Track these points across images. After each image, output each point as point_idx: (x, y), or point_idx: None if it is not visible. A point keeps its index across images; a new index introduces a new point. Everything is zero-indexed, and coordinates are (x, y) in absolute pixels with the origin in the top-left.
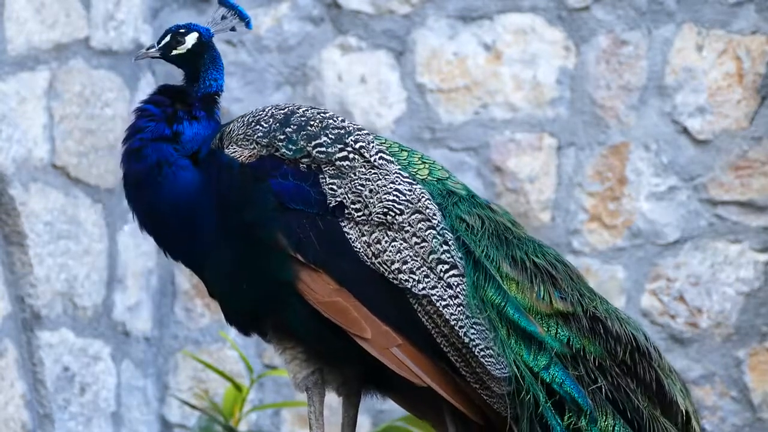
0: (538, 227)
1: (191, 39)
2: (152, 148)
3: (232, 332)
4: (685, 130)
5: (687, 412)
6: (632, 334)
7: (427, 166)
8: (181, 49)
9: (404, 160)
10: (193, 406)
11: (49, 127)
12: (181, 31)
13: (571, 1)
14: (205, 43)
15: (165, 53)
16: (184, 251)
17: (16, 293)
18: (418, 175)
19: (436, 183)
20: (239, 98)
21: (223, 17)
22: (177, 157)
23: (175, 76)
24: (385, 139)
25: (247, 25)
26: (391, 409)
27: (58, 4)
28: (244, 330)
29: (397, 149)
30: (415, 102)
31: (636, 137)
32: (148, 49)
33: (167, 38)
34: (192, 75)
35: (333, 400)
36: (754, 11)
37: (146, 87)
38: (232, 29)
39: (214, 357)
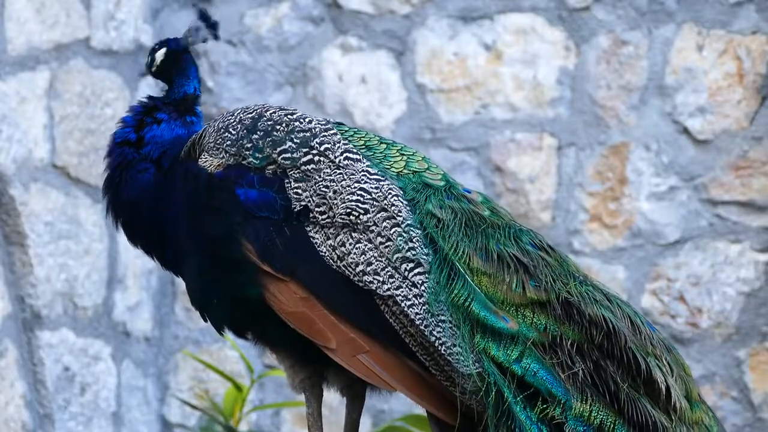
0: (539, 227)
1: (160, 55)
2: (117, 153)
3: (232, 332)
4: (686, 130)
5: (668, 389)
6: (602, 315)
7: (404, 158)
8: (155, 66)
9: (380, 153)
10: (193, 406)
11: (50, 127)
12: (155, 48)
13: (571, 1)
14: (174, 53)
15: (149, 72)
16: (159, 256)
17: (16, 293)
18: (392, 169)
19: (411, 176)
20: (240, 98)
21: (197, 29)
22: (137, 159)
23: None
24: (366, 133)
25: (215, 37)
26: (392, 409)
27: (59, 4)
28: (236, 334)
29: (375, 142)
30: (416, 102)
31: (636, 137)
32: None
33: (147, 58)
34: (169, 84)
35: (333, 399)
36: (755, 11)
37: (146, 87)
38: (204, 41)
39: (215, 357)
